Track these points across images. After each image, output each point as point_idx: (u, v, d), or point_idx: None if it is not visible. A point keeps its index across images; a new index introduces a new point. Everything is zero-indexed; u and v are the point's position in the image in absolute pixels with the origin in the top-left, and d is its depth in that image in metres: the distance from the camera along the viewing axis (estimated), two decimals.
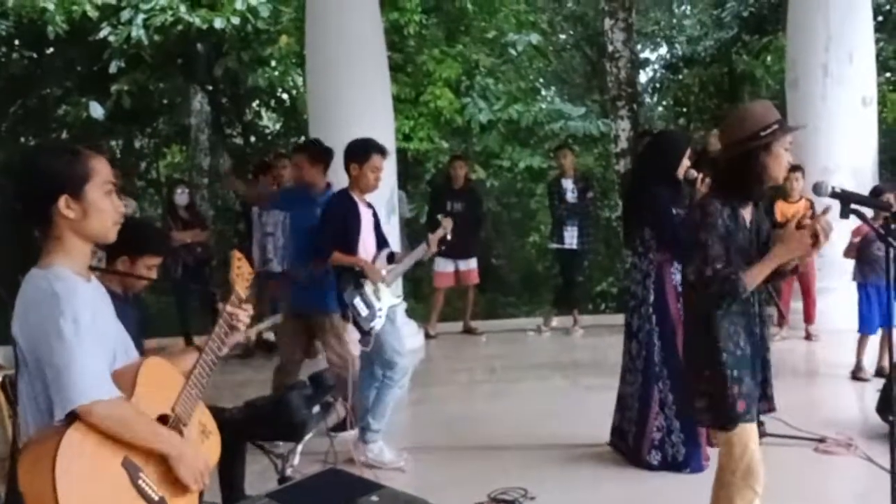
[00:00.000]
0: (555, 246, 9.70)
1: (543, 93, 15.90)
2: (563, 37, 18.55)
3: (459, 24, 14.16)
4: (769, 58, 13.57)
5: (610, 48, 14.92)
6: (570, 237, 9.36)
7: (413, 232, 10.69)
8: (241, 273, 2.80)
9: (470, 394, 7.36)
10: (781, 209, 7.81)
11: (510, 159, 13.42)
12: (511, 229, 15.82)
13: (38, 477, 2.25)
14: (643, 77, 18.34)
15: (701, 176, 4.96)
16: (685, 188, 5.04)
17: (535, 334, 9.60)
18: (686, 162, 5.02)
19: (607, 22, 14.97)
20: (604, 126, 14.02)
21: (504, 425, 6.05)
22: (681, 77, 16.53)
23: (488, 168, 13.87)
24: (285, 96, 15.58)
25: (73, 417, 2.30)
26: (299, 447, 4.42)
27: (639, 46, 17.26)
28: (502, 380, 7.72)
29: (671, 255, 4.97)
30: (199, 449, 2.60)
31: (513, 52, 14.69)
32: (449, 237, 5.77)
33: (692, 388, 3.39)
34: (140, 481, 2.38)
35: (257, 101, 16.17)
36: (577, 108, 14.30)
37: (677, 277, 4.91)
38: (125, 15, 12.13)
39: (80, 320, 2.32)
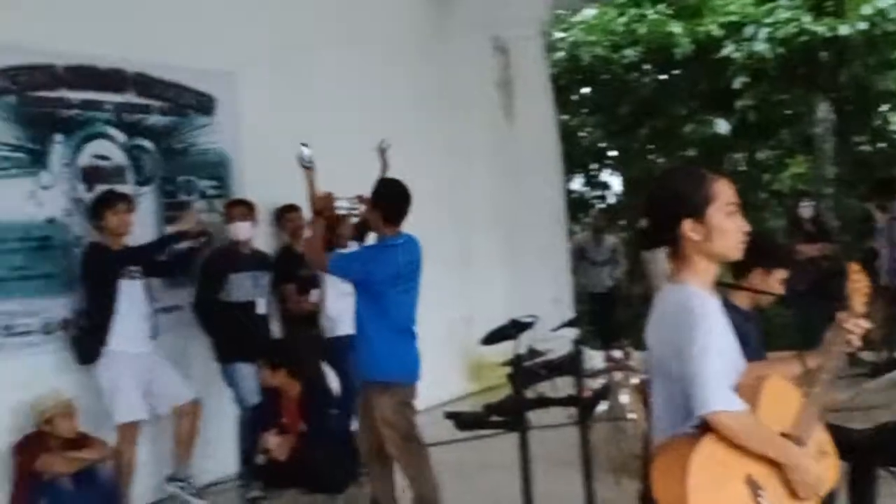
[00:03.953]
0: None
1: None
2: None
3: None
4: None
5: None
6: None
7: None
8: (858, 287, 2.72)
9: None
10: None
11: None
12: None
13: (670, 484, 2.41)
14: None
15: None
16: None
17: None
18: None
19: None
20: None
21: None
22: None
23: None
24: None
25: (703, 427, 2.42)
26: None
27: None
28: None
29: None
30: (816, 464, 2.58)
31: None
32: None
33: None
34: (760, 498, 2.44)
35: (887, 106, 15.23)
36: None
37: None
38: (748, 31, 12.32)
39: (712, 335, 2.44)
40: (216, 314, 6.30)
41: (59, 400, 5.46)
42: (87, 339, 5.73)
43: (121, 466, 5.68)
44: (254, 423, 6.26)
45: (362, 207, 5.21)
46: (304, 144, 5.50)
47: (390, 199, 5.02)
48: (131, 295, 5.76)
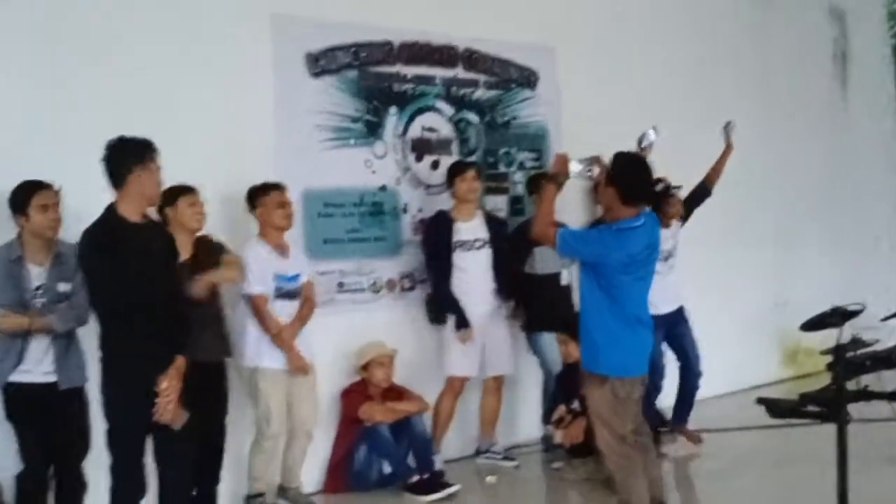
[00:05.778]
0: None
1: None
2: None
3: None
4: None
5: None
6: None
7: None
8: None
9: None
10: None
11: None
12: None
13: None
14: None
15: None
16: None
17: None
18: None
19: None
20: None
21: None
22: None
23: None
24: None
25: None
26: None
27: None
28: None
29: None
30: None
31: None
32: None
33: None
34: None
35: None
36: None
37: None
38: None
39: None
40: (522, 285, 6.47)
41: (379, 349, 5.87)
42: (436, 300, 6.21)
43: (439, 417, 6.08)
44: (556, 393, 6.41)
45: (597, 170, 4.52)
46: (654, 128, 5.46)
47: (628, 175, 4.40)
48: (470, 262, 6.12)
